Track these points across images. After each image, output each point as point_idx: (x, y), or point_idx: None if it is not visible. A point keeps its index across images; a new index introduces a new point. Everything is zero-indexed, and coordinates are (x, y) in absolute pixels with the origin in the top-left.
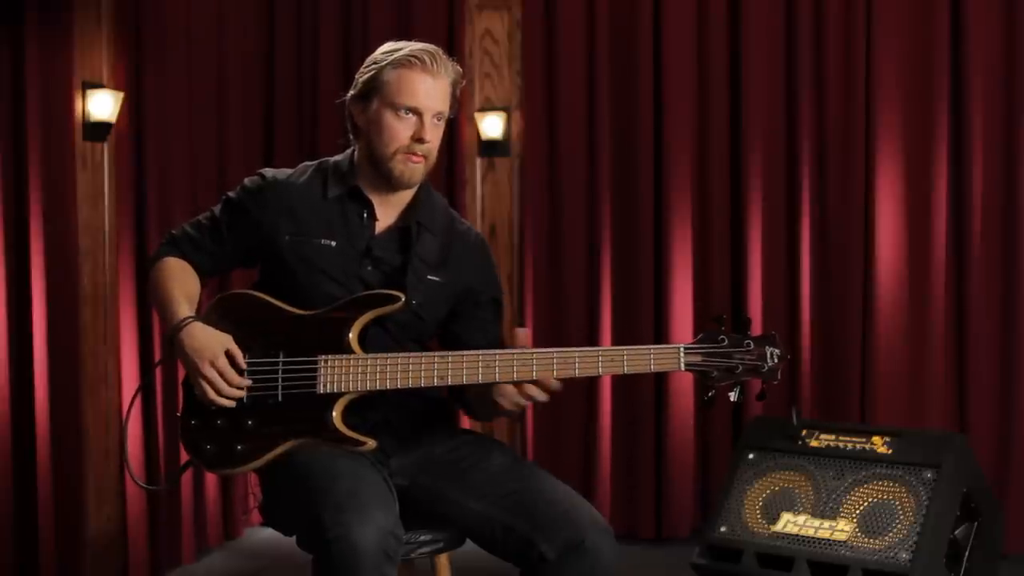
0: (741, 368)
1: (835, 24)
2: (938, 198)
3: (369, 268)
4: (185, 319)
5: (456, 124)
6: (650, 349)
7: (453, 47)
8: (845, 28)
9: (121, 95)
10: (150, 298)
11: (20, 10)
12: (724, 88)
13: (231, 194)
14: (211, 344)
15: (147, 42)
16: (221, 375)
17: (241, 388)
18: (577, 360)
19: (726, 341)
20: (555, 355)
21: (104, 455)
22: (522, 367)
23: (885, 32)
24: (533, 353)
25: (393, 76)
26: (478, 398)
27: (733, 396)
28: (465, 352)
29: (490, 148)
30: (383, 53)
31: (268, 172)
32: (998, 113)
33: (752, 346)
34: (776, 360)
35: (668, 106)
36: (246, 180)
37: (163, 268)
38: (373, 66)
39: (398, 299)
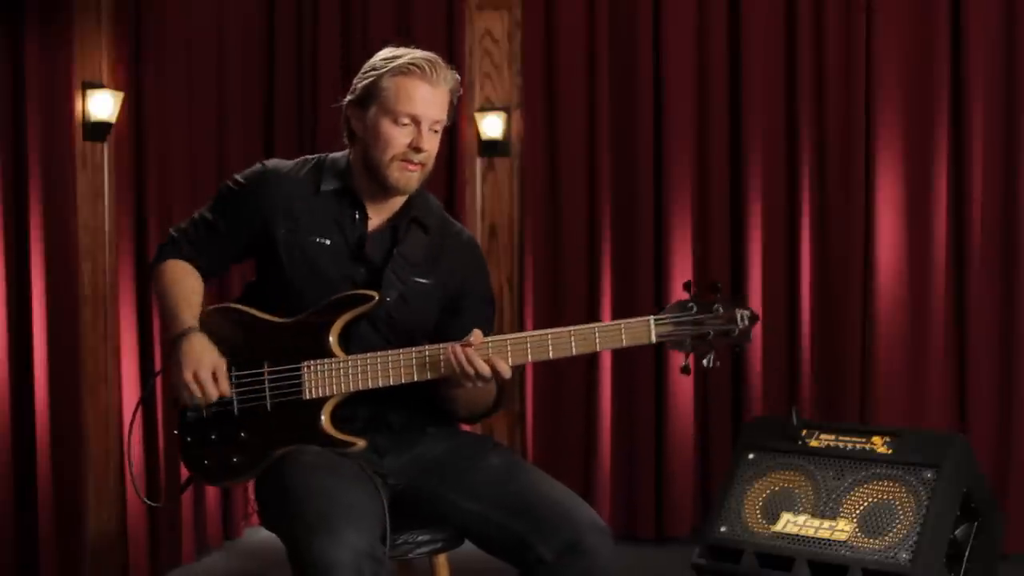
0: (712, 333)
1: (835, 24)
2: (938, 197)
3: (362, 270)
4: (186, 329)
5: (456, 124)
6: (620, 324)
7: (453, 47)
8: (845, 28)
9: (121, 95)
10: (155, 302)
11: (20, 10)
12: (724, 88)
13: (230, 184)
14: (203, 358)
15: (147, 42)
16: (201, 387)
17: (212, 399)
18: (551, 341)
19: (695, 308)
20: (528, 339)
21: (104, 455)
22: (497, 353)
23: (885, 32)
24: (507, 339)
25: (392, 84)
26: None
27: (707, 362)
28: (441, 345)
29: (490, 148)
30: (382, 60)
31: (269, 163)
32: (998, 113)
33: (721, 310)
34: (747, 322)
35: (668, 106)
36: (245, 171)
37: (166, 272)
38: (372, 73)
39: (372, 298)
